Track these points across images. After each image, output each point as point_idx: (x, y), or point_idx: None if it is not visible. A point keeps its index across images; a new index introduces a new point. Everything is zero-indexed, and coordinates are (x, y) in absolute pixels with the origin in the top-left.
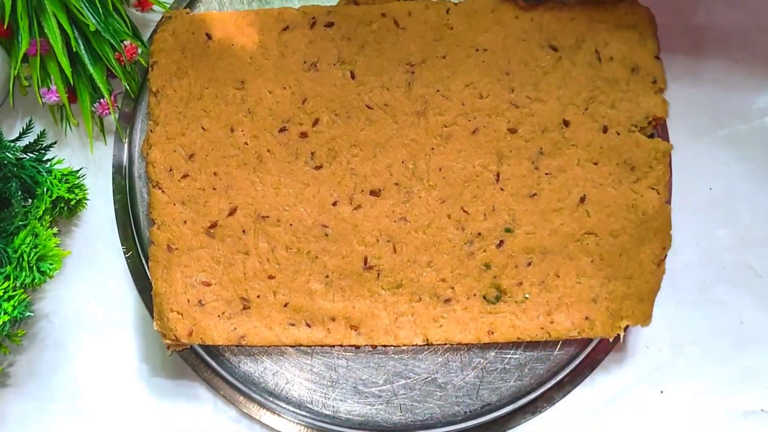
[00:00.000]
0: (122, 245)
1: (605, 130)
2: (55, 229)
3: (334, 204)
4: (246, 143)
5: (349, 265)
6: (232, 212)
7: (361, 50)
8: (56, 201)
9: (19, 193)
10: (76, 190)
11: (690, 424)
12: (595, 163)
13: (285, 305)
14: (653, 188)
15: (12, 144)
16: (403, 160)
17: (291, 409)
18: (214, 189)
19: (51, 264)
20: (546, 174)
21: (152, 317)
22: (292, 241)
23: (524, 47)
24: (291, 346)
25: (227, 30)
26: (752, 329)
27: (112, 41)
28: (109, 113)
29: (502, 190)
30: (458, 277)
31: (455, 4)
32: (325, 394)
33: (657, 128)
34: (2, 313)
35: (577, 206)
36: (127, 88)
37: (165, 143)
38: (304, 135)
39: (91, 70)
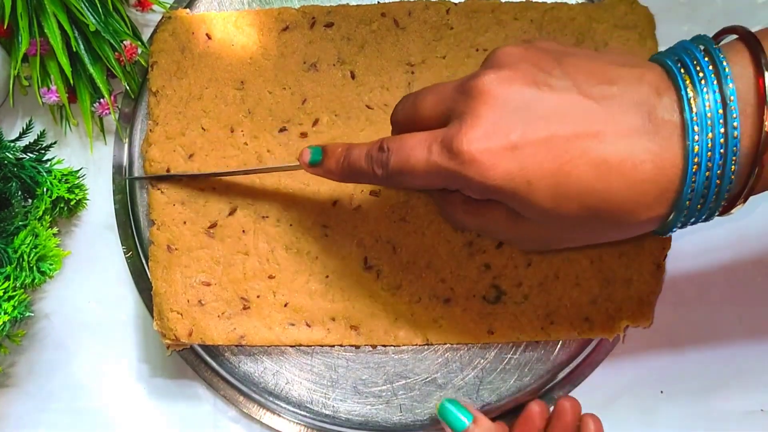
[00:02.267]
0: (122, 245)
1: None
2: (55, 229)
3: (334, 204)
4: (246, 143)
5: (349, 265)
6: (232, 212)
7: (361, 50)
8: (56, 201)
9: (19, 193)
10: (76, 190)
11: (690, 424)
12: None
13: (285, 305)
14: None
15: (12, 144)
16: None
17: (291, 409)
18: (214, 189)
19: (51, 264)
20: None
21: (152, 317)
22: (292, 242)
23: None
24: (291, 346)
25: (227, 30)
26: (752, 329)
27: (112, 41)
28: (109, 113)
29: None
30: (458, 277)
31: (455, 4)
32: (325, 394)
33: None
34: (2, 313)
35: None
36: (127, 88)
37: (164, 143)
38: (304, 135)
39: (91, 70)
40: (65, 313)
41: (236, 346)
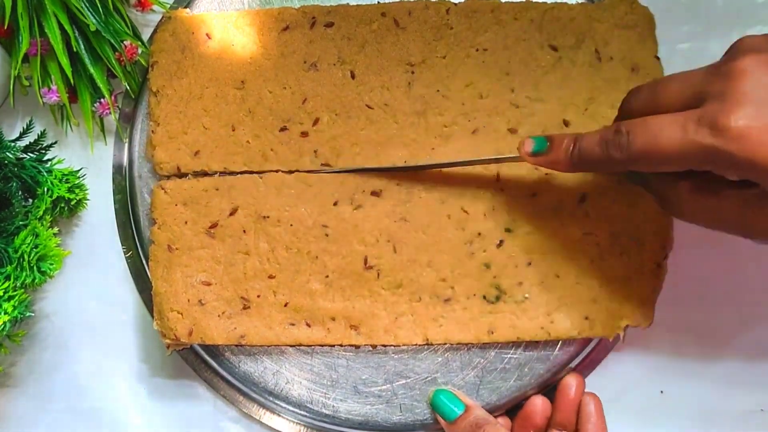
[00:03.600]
0: (122, 245)
1: None
2: (56, 229)
3: (335, 204)
4: (248, 141)
5: (349, 265)
6: (233, 212)
7: (361, 50)
8: (56, 201)
9: (20, 193)
10: (77, 190)
11: (690, 424)
12: None
13: (285, 305)
14: None
15: (12, 144)
16: (405, 160)
17: (291, 409)
18: (217, 189)
19: (51, 264)
20: (546, 174)
21: (152, 317)
22: (293, 241)
23: (524, 47)
24: (291, 346)
25: (227, 30)
26: (752, 329)
27: (112, 41)
28: (110, 113)
29: (502, 190)
30: (458, 276)
31: (455, 4)
32: (325, 394)
33: None
34: (2, 313)
35: (577, 206)
36: (127, 88)
37: (168, 142)
38: (305, 134)
39: (92, 70)
40: (66, 313)
41: (236, 345)
